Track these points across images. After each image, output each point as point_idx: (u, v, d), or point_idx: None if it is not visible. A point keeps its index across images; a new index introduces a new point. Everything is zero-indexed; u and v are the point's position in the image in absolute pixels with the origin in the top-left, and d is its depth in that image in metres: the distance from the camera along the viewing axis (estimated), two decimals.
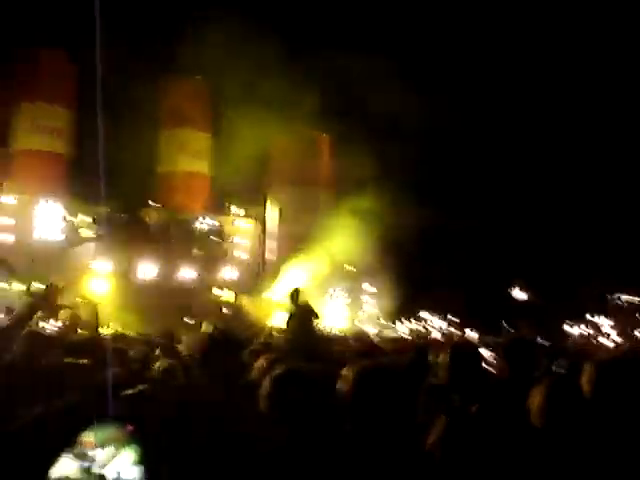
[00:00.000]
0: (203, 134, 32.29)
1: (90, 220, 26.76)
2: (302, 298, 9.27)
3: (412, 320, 29.54)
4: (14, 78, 27.82)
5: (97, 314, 7.62)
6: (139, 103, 26.81)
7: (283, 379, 3.44)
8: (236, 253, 30.40)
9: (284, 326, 8.81)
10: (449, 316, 29.50)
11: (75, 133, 29.51)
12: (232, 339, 4.06)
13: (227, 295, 26.94)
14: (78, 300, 9.61)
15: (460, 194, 31.78)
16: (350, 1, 29.83)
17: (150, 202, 29.11)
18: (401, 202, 26.27)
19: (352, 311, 30.21)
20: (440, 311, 29.73)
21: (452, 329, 28.20)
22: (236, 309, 25.91)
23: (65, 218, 27.54)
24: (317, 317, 9.56)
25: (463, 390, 4.95)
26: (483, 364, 5.68)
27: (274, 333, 13.89)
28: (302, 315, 9.07)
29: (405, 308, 30.00)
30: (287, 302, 9.03)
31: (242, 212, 31.16)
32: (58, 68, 28.98)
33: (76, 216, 27.33)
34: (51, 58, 28.91)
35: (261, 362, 4.72)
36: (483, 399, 4.40)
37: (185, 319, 20.89)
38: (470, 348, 6.11)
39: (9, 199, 26.98)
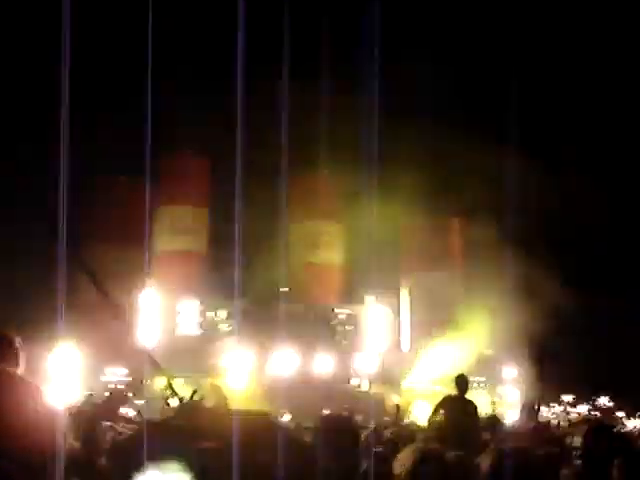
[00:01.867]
0: (333, 226, 32.96)
1: (226, 314, 27.61)
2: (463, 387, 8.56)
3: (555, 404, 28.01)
4: (148, 184, 29.48)
5: (226, 400, 7.61)
6: (267, 200, 27.67)
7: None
8: (371, 341, 30.20)
9: (432, 415, 8.17)
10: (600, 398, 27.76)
11: (209, 231, 31.01)
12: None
13: (363, 384, 26.65)
14: (207, 385, 9.66)
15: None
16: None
17: (283, 294, 29.63)
18: (540, 281, 25.39)
19: (492, 398, 28.91)
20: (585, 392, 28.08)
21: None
22: (371, 399, 25.50)
23: (203, 314, 28.57)
24: (472, 405, 8.71)
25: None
26: None
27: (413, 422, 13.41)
28: (455, 404, 8.40)
29: (548, 391, 28.50)
30: (450, 389, 8.40)
31: (374, 299, 31.09)
32: (193, 171, 30.71)
33: (214, 311, 28.28)
34: (186, 163, 30.70)
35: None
36: None
37: (323, 410, 20.71)
38: (607, 427, 5.64)
39: (151, 297, 28.37)
